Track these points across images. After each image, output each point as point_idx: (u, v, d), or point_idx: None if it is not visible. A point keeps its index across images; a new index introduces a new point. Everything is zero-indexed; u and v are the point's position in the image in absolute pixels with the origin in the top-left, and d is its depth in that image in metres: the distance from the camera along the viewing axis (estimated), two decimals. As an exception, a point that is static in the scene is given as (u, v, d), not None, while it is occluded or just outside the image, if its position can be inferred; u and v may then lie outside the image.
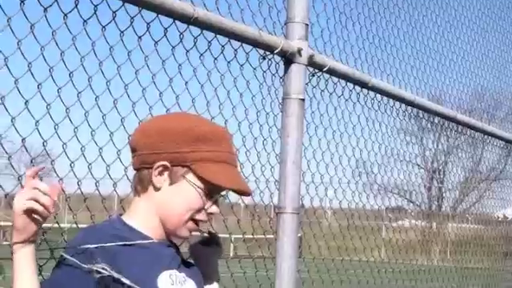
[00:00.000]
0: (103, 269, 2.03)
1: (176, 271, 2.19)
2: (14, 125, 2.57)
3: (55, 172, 2.85)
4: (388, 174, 5.41)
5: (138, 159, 2.21)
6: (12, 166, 2.65)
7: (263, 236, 4.13)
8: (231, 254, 18.59)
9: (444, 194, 7.98)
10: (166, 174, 2.17)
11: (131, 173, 2.28)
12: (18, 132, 2.61)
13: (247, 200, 3.87)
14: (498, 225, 8.24)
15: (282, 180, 3.61)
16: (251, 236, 4.02)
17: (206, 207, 2.19)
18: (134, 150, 2.23)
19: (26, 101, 2.60)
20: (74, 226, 2.85)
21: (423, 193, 7.10)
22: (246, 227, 3.95)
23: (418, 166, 6.79)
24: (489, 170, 7.75)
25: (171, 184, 2.18)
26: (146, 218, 2.19)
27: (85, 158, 2.89)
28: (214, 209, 2.21)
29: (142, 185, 2.20)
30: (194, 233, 2.28)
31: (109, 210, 3.06)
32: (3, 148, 2.58)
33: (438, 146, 6.82)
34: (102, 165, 2.96)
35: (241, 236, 3.91)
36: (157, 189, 2.18)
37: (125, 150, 2.86)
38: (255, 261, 4.03)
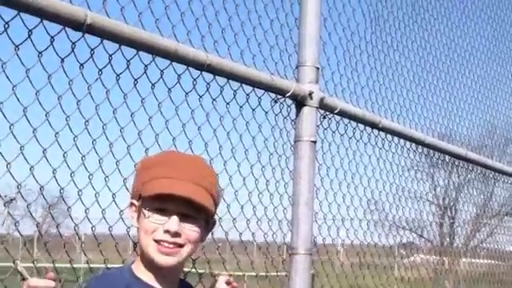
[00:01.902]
0: None
1: None
2: (32, 173, 2.61)
3: (70, 217, 2.89)
4: (400, 211, 5.40)
5: None
6: (31, 213, 2.69)
7: (275, 273, 4.13)
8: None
9: (455, 230, 7.94)
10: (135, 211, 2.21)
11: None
12: (36, 180, 2.65)
13: (260, 240, 3.89)
14: (510, 260, 8.21)
15: (295, 221, 3.63)
16: (264, 274, 4.03)
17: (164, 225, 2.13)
18: None
19: (44, 149, 2.65)
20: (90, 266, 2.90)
21: (435, 230, 7.08)
22: (259, 268, 3.95)
23: (430, 202, 6.79)
24: (500, 206, 7.73)
25: (138, 219, 2.19)
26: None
27: (98, 203, 2.93)
28: (167, 225, 2.11)
29: None
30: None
31: (123, 251, 3.09)
32: (22, 196, 2.62)
33: (448, 182, 6.82)
34: (115, 210, 3.00)
35: (254, 274, 3.92)
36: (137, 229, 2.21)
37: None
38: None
